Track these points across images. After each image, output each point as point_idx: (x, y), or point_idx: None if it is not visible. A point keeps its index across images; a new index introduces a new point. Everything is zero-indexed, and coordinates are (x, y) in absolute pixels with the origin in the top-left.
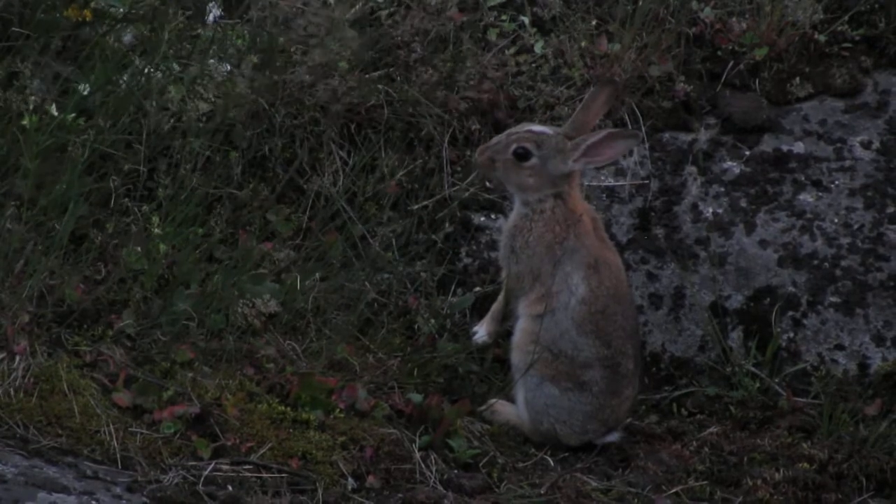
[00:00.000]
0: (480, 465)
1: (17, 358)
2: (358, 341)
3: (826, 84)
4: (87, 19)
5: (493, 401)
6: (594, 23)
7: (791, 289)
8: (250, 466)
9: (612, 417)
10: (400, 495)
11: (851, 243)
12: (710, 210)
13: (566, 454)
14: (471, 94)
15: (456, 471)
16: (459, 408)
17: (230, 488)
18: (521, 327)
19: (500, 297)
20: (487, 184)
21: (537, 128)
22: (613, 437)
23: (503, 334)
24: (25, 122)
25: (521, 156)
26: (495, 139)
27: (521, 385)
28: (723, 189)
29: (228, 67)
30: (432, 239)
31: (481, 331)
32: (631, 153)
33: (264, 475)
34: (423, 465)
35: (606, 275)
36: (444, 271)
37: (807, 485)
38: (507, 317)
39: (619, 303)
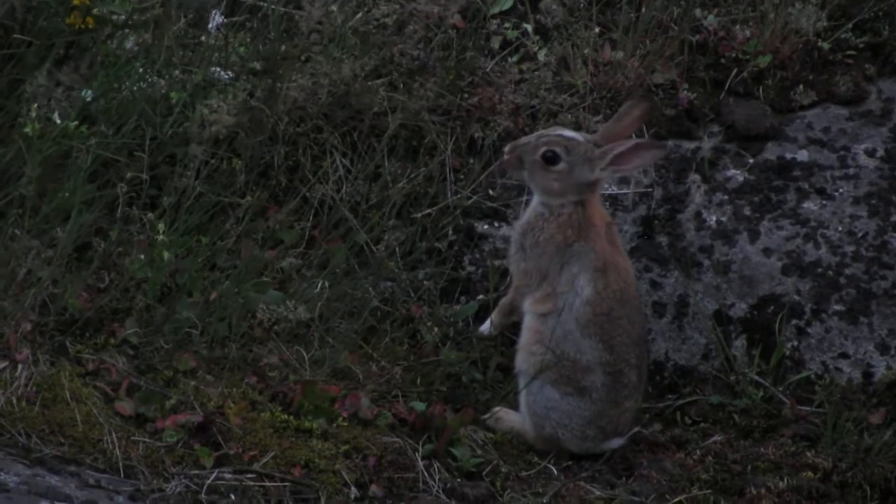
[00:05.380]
0: (484, 473)
1: (20, 366)
2: (361, 349)
3: (830, 92)
4: (90, 26)
5: (497, 409)
6: (597, 30)
7: (795, 297)
8: (253, 475)
9: (609, 426)
10: None
11: (856, 251)
12: (714, 218)
13: (570, 463)
14: (473, 101)
15: (459, 479)
16: (463, 416)
17: (233, 497)
18: (527, 325)
19: (510, 292)
20: (498, 178)
21: (568, 133)
22: (616, 444)
23: (508, 329)
24: (28, 129)
25: (550, 159)
26: (525, 139)
27: (524, 389)
28: (726, 197)
29: (231, 74)
30: (435, 247)
31: (486, 323)
32: None
33: (267, 484)
34: (426, 474)
35: (614, 278)
36: (448, 279)
37: (811, 494)
38: (513, 311)
39: (625, 307)
